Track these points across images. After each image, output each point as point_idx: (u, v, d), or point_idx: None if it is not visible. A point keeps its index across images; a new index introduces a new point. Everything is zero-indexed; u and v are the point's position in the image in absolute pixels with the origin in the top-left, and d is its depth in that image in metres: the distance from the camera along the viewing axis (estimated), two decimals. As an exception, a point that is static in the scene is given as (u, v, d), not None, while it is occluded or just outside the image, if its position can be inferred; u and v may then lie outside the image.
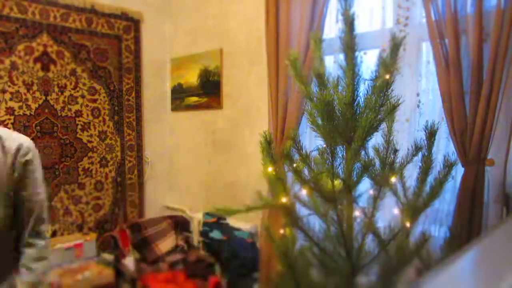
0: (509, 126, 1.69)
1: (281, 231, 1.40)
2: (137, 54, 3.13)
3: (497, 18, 1.63)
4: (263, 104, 2.59)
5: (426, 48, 1.93)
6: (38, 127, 2.66)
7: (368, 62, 1.40)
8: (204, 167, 3.11)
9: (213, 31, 2.98)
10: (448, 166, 1.35)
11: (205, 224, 2.78)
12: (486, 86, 1.66)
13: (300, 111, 2.30)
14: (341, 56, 1.28)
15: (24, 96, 2.59)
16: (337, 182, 1.30)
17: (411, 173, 1.49)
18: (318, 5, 2.18)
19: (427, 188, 1.38)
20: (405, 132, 1.99)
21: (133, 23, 3.10)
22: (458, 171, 1.77)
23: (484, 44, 1.69)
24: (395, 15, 2.01)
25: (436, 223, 1.93)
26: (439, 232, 1.91)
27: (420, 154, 1.41)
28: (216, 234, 2.66)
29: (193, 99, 3.11)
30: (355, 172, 1.30)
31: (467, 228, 1.73)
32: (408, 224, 1.32)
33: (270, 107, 2.42)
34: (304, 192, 1.38)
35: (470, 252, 0.86)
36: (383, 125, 1.33)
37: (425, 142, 1.39)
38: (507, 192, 1.73)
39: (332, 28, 2.26)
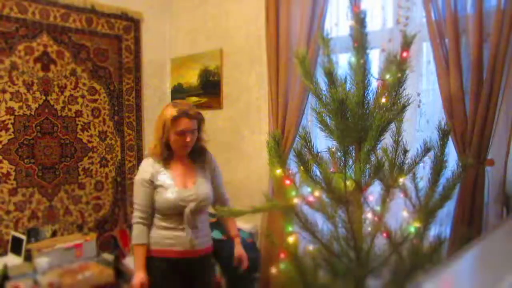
0: (509, 126, 1.69)
1: (287, 235, 1.37)
2: (137, 54, 3.13)
3: (497, 18, 1.63)
4: (263, 104, 2.59)
5: (427, 48, 1.93)
6: (38, 127, 2.66)
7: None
8: (204, 167, 3.10)
9: (213, 31, 2.97)
10: (463, 166, 1.33)
11: (205, 224, 2.77)
12: (486, 86, 1.66)
13: (300, 111, 2.29)
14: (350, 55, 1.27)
15: (24, 96, 2.59)
16: (349, 183, 1.27)
17: (421, 173, 1.45)
18: (318, 5, 2.18)
19: (439, 189, 1.34)
20: (405, 132, 1.99)
21: (133, 23, 3.09)
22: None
23: (484, 44, 1.69)
24: (395, 15, 2.01)
25: (436, 223, 1.92)
26: (439, 232, 1.91)
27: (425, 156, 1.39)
28: (216, 234, 2.65)
29: (193, 99, 3.11)
30: (367, 173, 1.28)
31: (467, 228, 1.73)
32: (420, 226, 1.30)
33: (270, 107, 2.42)
34: (313, 193, 1.35)
35: (470, 252, 0.86)
36: (391, 125, 1.31)
37: (438, 142, 1.34)
38: (507, 192, 1.73)
39: (333, 29, 2.26)
